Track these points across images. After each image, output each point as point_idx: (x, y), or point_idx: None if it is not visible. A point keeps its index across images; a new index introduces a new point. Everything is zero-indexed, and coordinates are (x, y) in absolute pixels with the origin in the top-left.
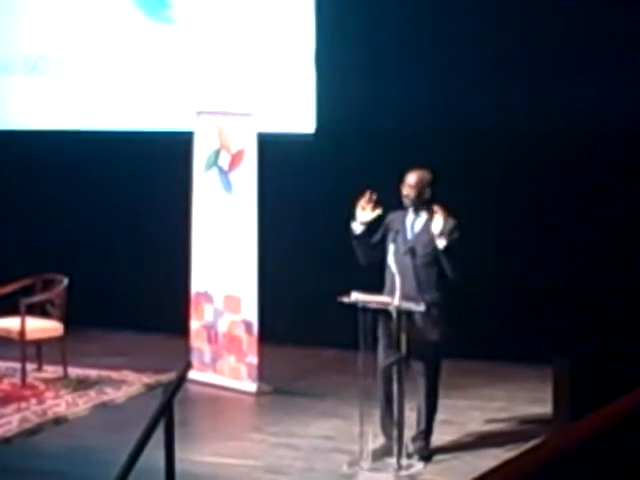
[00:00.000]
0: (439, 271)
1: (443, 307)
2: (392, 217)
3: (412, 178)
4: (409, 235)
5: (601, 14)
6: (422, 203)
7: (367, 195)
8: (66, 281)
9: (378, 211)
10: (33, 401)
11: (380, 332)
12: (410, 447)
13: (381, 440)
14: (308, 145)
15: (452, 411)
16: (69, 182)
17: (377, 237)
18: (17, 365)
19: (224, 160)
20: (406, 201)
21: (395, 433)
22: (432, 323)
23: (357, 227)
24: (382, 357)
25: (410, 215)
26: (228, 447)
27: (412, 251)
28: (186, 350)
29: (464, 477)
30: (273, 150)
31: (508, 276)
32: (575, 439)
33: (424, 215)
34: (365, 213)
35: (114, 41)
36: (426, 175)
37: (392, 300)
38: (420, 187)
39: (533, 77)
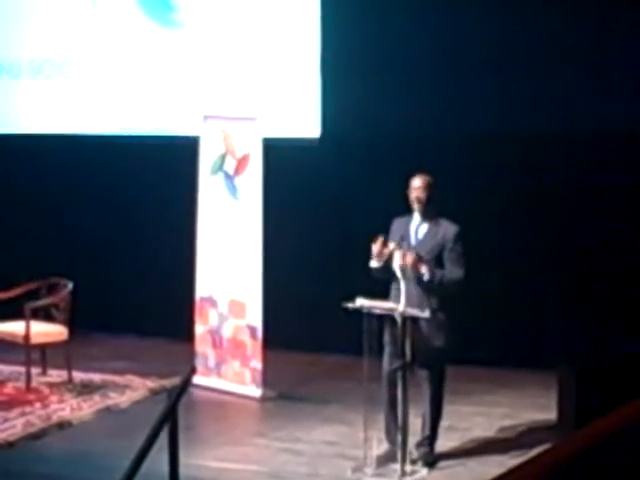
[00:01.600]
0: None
1: (448, 313)
2: (397, 223)
3: (419, 181)
4: (413, 241)
5: (602, 17)
6: (429, 207)
7: (379, 241)
8: (71, 285)
9: (391, 246)
10: (37, 405)
11: (386, 338)
12: (414, 453)
13: (385, 446)
14: (313, 150)
15: (456, 417)
16: (74, 186)
17: None
18: (21, 369)
19: (229, 165)
20: (416, 204)
21: (399, 439)
22: (437, 329)
23: (375, 263)
24: (387, 363)
25: (415, 220)
26: (232, 452)
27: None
28: (190, 355)
29: None
30: (278, 155)
31: (512, 282)
32: (580, 446)
33: (428, 221)
34: (380, 257)
35: (119, 45)
36: (430, 178)
37: (397, 306)
38: (429, 189)
39: (535, 81)
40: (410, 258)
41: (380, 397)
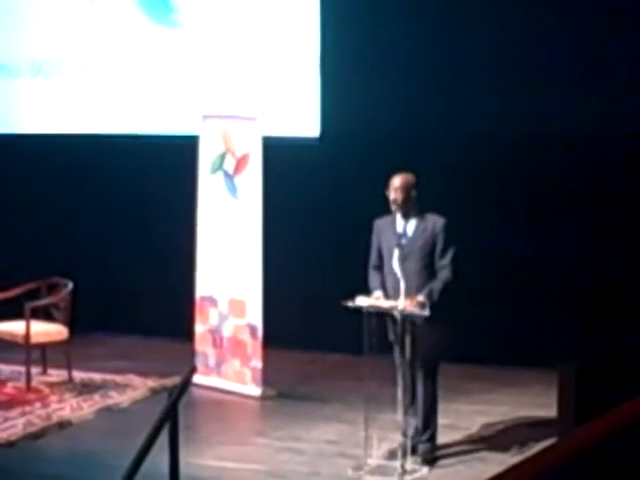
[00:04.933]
0: (432, 274)
1: (445, 310)
2: (380, 223)
3: (397, 181)
4: (404, 240)
5: (600, 19)
6: (410, 205)
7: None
8: (71, 285)
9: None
10: (37, 405)
11: (390, 337)
12: (415, 451)
13: (385, 444)
14: (313, 149)
15: (457, 416)
16: (74, 186)
17: (374, 255)
18: (22, 369)
19: (229, 164)
20: (394, 205)
21: (411, 432)
22: (431, 327)
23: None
24: (398, 361)
25: (399, 220)
26: (232, 451)
27: (410, 256)
28: (191, 354)
29: None
30: (278, 154)
31: (512, 280)
32: (580, 444)
33: (414, 217)
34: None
35: (119, 45)
36: (410, 177)
37: (397, 305)
38: (406, 189)
39: (534, 82)
40: (408, 305)
41: (380, 396)
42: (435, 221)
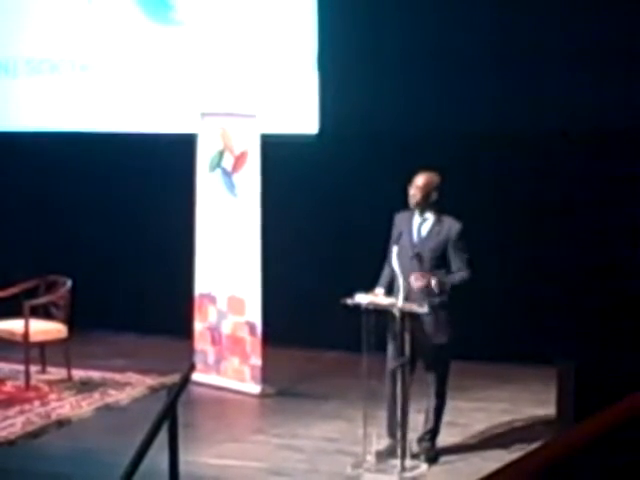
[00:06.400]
0: (445, 274)
1: (450, 309)
2: (399, 218)
3: (420, 180)
4: (415, 239)
5: (601, 16)
6: (428, 206)
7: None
8: (70, 283)
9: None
10: (37, 403)
11: (388, 334)
12: (416, 448)
13: (385, 442)
14: (311, 146)
15: (456, 413)
16: (73, 184)
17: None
18: (21, 367)
19: (228, 161)
20: (412, 202)
21: (399, 434)
22: (439, 325)
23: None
24: (390, 360)
25: (417, 217)
26: (232, 449)
27: (419, 256)
28: (190, 352)
29: (468, 478)
30: (276, 151)
31: (512, 277)
32: (579, 440)
33: (431, 218)
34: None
35: (117, 43)
36: (434, 178)
37: (395, 302)
38: (427, 189)
39: (535, 79)
40: (420, 284)
41: (379, 393)
42: (451, 225)
